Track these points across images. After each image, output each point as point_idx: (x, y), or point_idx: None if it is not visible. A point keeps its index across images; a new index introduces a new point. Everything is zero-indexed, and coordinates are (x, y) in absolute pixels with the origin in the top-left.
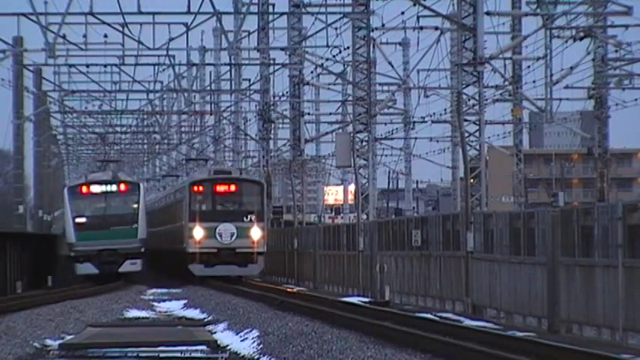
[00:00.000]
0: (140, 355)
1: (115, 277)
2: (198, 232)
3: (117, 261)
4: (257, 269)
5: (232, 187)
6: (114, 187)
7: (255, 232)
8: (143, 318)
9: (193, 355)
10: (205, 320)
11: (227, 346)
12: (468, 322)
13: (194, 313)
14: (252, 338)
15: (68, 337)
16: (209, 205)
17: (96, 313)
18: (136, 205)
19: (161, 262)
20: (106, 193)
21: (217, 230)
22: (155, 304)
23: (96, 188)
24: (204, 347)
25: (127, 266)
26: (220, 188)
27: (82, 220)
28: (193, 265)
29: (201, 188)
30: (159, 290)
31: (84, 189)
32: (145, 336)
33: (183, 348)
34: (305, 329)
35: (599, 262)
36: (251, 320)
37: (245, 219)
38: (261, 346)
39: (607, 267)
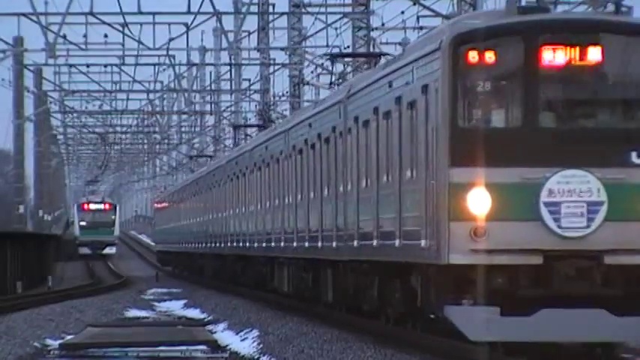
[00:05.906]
0: (140, 354)
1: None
2: (484, 199)
3: (102, 247)
4: None
5: (597, 53)
6: (102, 206)
7: None
8: (143, 318)
9: (193, 355)
10: (205, 320)
11: (227, 346)
12: None
13: (194, 313)
14: (252, 338)
15: (68, 337)
16: (519, 111)
17: (96, 313)
18: (113, 217)
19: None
20: (97, 209)
21: (546, 194)
22: (155, 304)
23: (92, 206)
24: (204, 347)
25: (107, 250)
26: (557, 56)
27: (84, 223)
28: (468, 311)
29: (492, 57)
30: (159, 290)
31: (85, 206)
32: (144, 336)
33: (183, 348)
34: (305, 329)
35: None
36: (251, 320)
37: None
38: (261, 346)
39: None
